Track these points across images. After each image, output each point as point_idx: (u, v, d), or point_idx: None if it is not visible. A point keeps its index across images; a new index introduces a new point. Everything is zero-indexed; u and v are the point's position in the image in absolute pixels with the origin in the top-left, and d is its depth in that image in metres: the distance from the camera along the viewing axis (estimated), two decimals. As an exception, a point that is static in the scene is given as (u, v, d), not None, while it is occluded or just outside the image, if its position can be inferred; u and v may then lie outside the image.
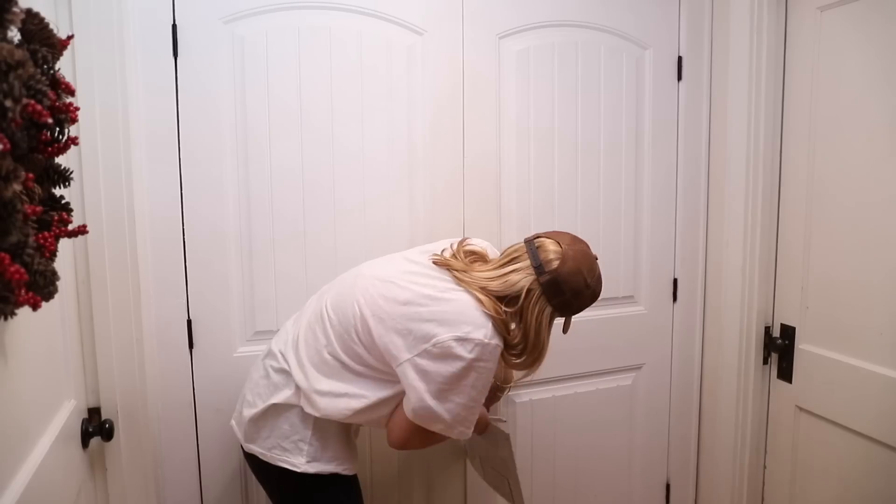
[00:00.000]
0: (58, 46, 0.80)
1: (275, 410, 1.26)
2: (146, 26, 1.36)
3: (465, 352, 1.11)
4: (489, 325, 1.13)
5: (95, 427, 1.28)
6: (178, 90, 1.40)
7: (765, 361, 1.84)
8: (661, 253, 1.92)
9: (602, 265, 1.82)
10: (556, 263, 1.15)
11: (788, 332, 1.75)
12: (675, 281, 1.96)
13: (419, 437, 1.21)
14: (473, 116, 1.65)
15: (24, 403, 0.91)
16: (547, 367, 1.81)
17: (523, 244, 1.21)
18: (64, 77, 0.82)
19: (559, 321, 1.24)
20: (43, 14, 0.76)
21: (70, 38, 0.85)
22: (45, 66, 0.78)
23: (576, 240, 1.22)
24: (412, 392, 1.14)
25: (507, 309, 1.17)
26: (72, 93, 0.83)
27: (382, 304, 1.18)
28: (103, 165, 1.29)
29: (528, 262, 1.17)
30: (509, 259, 1.21)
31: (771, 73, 1.72)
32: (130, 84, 1.32)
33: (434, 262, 1.23)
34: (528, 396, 1.81)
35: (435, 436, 1.20)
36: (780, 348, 1.78)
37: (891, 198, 1.45)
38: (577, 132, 1.77)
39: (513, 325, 1.20)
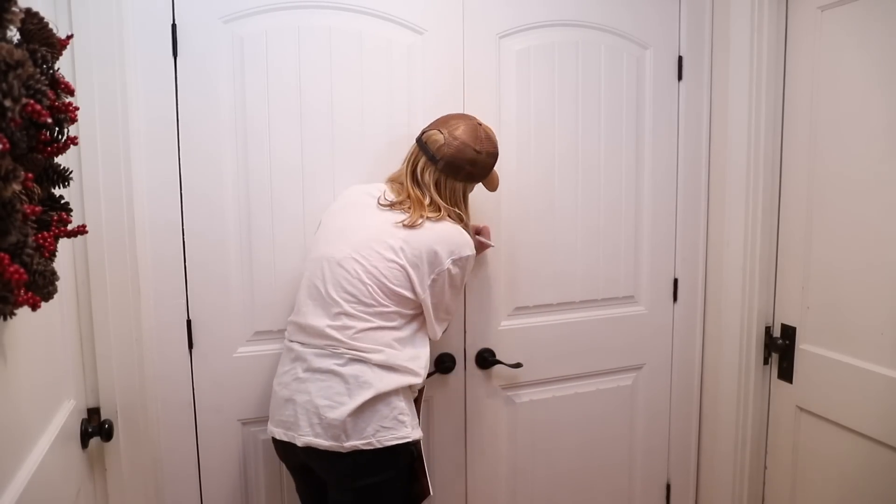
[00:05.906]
0: (57, 46, 0.80)
1: (371, 400, 1.26)
2: (146, 26, 1.36)
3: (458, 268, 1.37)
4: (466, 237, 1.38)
5: (95, 427, 1.28)
6: (177, 90, 1.40)
7: (765, 361, 1.83)
8: (661, 253, 1.92)
9: (602, 265, 1.86)
10: (445, 149, 1.35)
11: (789, 332, 1.75)
12: (676, 281, 1.95)
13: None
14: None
15: (23, 403, 0.90)
16: (547, 368, 1.83)
17: (415, 144, 1.41)
18: (63, 77, 0.82)
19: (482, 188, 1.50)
20: (42, 14, 0.76)
21: (69, 37, 0.85)
22: (45, 66, 0.78)
23: (455, 119, 1.40)
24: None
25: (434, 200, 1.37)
26: (71, 92, 0.83)
27: (403, 241, 1.32)
28: (103, 165, 1.29)
29: (425, 160, 1.37)
30: (411, 168, 1.39)
31: (771, 73, 1.72)
32: (130, 84, 1.32)
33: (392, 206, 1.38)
34: (529, 397, 1.81)
35: None
36: (780, 348, 1.78)
37: (891, 197, 1.44)
38: (577, 132, 1.76)
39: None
